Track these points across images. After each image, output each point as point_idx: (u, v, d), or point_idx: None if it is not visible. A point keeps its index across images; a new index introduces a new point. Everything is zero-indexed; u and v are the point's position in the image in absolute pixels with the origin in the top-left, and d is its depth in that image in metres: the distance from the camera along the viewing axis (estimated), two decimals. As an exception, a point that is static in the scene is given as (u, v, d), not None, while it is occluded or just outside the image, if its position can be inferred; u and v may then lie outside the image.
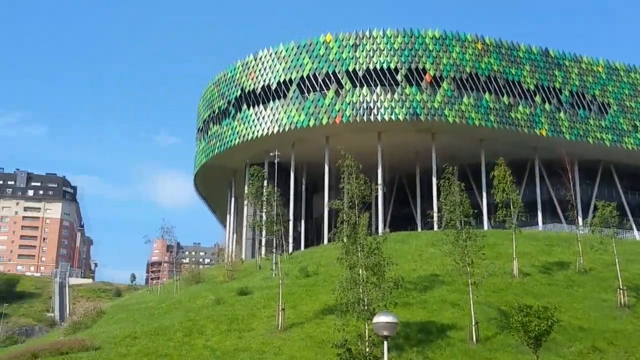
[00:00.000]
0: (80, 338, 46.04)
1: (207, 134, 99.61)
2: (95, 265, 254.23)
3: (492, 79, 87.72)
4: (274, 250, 54.71)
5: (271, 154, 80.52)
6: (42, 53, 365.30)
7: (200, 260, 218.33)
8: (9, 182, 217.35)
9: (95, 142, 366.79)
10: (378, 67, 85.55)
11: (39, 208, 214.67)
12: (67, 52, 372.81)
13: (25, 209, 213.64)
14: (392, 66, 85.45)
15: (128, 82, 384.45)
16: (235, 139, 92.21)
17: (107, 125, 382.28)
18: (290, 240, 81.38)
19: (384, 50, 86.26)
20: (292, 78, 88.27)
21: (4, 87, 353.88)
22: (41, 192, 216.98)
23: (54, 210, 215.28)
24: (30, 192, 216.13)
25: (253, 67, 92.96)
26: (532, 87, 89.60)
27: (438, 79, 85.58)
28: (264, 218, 53.32)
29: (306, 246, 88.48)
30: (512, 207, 52.98)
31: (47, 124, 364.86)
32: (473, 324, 38.48)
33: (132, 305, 65.93)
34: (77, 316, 68.30)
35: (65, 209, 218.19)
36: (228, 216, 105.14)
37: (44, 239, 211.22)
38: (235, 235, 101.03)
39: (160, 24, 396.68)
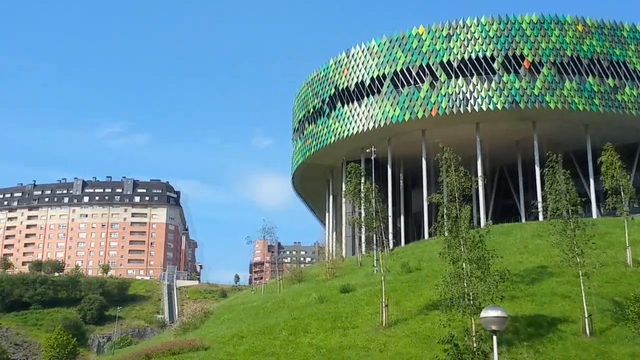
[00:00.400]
0: (190, 338, 47.08)
1: (303, 134, 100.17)
2: (201, 267, 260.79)
3: (595, 61, 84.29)
4: (375, 246, 54.33)
5: (367, 150, 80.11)
6: (139, 65, 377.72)
7: (301, 259, 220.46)
8: (117, 190, 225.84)
9: (194, 148, 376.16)
10: (473, 56, 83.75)
11: (146, 214, 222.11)
12: (163, 61, 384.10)
13: (133, 215, 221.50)
14: (488, 54, 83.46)
15: (223, 87, 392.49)
16: (330, 137, 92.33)
17: (205, 130, 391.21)
18: (390, 236, 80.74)
19: (478, 38, 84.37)
20: (386, 73, 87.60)
21: (108, 99, 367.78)
22: (147, 198, 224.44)
23: (159, 215, 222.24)
24: (137, 199, 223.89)
25: (346, 64, 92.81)
26: (638, 67, 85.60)
27: (537, 64, 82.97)
28: (363, 215, 53.09)
29: (407, 242, 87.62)
30: (622, 193, 50.67)
31: (149, 132, 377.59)
32: (586, 316, 36.96)
33: (238, 306, 66.99)
34: (186, 317, 69.97)
35: (170, 214, 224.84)
36: (327, 214, 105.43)
37: (151, 243, 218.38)
38: (334, 233, 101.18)
39: (252, 25, 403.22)
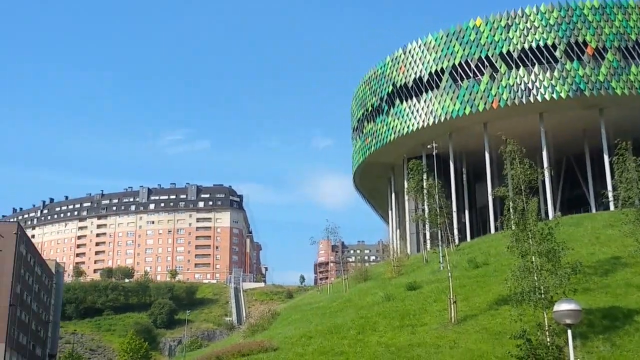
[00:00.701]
0: (259, 340, 47.45)
1: (362, 133, 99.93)
2: (266, 269, 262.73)
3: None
4: (440, 242, 53.77)
5: (428, 146, 79.40)
6: (197, 72, 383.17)
7: (366, 257, 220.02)
8: (181, 196, 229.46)
9: (255, 151, 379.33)
10: (534, 45, 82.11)
11: (210, 218, 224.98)
12: (219, 67, 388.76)
13: (198, 220, 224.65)
14: (550, 43, 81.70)
15: (281, 89, 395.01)
16: (390, 135, 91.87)
17: (264, 134, 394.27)
18: (456, 231, 79.78)
19: (539, 27, 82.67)
20: (444, 67, 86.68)
21: (168, 108, 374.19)
22: (210, 203, 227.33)
23: (223, 219, 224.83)
24: (201, 204, 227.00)
25: (403, 60, 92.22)
26: None
27: (601, 50, 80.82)
28: (427, 211, 52.49)
29: (472, 237, 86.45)
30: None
31: (210, 138, 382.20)
32: (663, 307, 35.77)
33: (304, 306, 67.21)
34: (254, 319, 70.54)
35: (234, 217, 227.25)
36: (390, 212, 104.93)
37: (216, 247, 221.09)
38: (398, 231, 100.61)
39: (307, 26, 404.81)
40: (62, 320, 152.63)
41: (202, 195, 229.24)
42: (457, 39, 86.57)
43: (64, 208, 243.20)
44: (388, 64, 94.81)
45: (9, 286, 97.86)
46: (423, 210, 66.22)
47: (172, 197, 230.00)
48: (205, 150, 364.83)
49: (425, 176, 56.09)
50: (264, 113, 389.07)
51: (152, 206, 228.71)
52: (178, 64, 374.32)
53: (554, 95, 79.68)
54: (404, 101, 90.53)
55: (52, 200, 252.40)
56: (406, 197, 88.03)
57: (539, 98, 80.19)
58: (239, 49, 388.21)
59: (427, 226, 71.60)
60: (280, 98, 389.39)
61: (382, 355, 36.03)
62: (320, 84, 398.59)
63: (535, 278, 32.63)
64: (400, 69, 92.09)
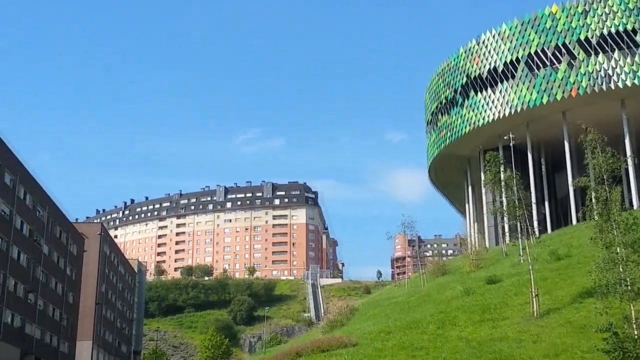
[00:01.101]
0: (338, 335, 47.63)
1: (437, 126, 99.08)
2: (342, 264, 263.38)
3: None
4: (519, 235, 52.81)
5: (505, 137, 78.20)
6: (267, 71, 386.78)
7: (443, 252, 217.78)
8: (257, 194, 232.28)
9: (328, 147, 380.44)
10: (613, 30, 79.73)
11: (286, 215, 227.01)
12: (290, 65, 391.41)
13: (274, 217, 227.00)
14: (629, 27, 79.17)
15: (353, 84, 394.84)
16: (465, 127, 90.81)
17: (338, 130, 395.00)
18: (535, 223, 78.17)
19: (617, 12, 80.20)
20: (519, 56, 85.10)
21: (242, 107, 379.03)
22: (286, 200, 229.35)
23: (299, 216, 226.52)
24: (277, 201, 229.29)
25: (477, 51, 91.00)
26: None
27: (684, 33, 77.92)
28: (505, 203, 51.71)
29: (553, 228, 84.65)
30: None
31: (284, 135, 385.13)
32: None
33: (382, 301, 67.17)
34: (332, 315, 70.91)
35: (309, 214, 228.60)
36: (467, 205, 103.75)
37: (293, 244, 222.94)
38: (476, 224, 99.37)
39: (378, 19, 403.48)
40: (145, 318, 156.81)
41: (278, 193, 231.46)
42: (532, 27, 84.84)
43: (144, 208, 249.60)
44: (461, 56, 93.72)
45: (95, 285, 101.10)
46: (501, 202, 65.30)
47: (249, 195, 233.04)
48: (280, 148, 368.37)
49: (502, 168, 55.18)
50: (337, 109, 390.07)
51: (229, 205, 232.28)
52: (251, 63, 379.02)
53: (636, 81, 77.22)
54: (479, 92, 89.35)
55: (132, 201, 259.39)
56: (483, 190, 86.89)
57: (620, 84, 77.88)
58: (310, 46, 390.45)
59: (505, 219, 70.41)
60: (353, 94, 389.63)
61: (463, 350, 35.68)
62: (393, 78, 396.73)
63: (621, 270, 31.73)
64: (474, 59, 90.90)
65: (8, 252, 67.12)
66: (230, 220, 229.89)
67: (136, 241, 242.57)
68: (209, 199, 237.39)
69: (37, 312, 76.01)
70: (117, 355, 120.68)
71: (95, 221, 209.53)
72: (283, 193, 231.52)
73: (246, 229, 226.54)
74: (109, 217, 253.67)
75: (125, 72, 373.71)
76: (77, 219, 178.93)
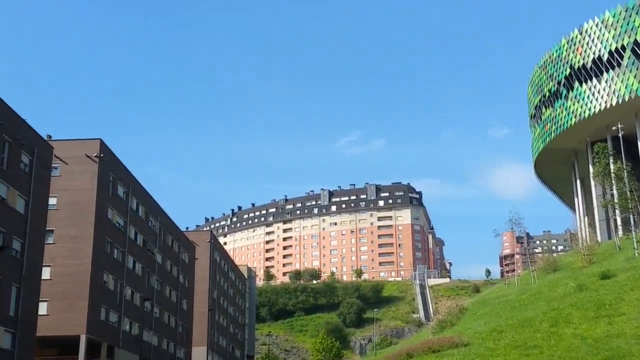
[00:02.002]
0: (449, 336, 47.35)
1: (541, 119, 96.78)
2: (450, 264, 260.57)
3: None
4: (633, 228, 51.04)
5: (613, 128, 75.46)
6: (363, 71, 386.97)
7: (553, 247, 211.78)
8: (362, 197, 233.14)
9: (430, 146, 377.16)
10: None
11: (391, 216, 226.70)
12: (389, 63, 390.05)
13: (379, 219, 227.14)
14: None
15: (452, 81, 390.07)
16: (571, 119, 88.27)
17: (439, 128, 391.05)
18: (650, 215, 75.27)
19: None
20: (625, 44, 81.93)
21: (342, 110, 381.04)
22: (390, 201, 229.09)
23: (404, 217, 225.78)
24: (381, 203, 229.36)
25: (580, 41, 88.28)
26: None
27: None
28: (616, 196, 50.20)
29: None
30: None
31: (385, 136, 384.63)
32: None
33: (492, 300, 66.22)
34: (442, 315, 70.48)
35: (414, 214, 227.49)
36: (575, 199, 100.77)
37: (399, 245, 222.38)
38: (586, 218, 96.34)
39: (473, 13, 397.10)
40: (256, 323, 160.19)
41: (382, 194, 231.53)
42: (637, 14, 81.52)
43: (251, 215, 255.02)
44: (564, 46, 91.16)
45: (207, 292, 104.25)
46: (612, 195, 63.25)
47: (353, 197, 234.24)
48: (381, 149, 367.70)
49: (612, 159, 53.55)
50: (437, 107, 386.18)
51: (333, 208, 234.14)
52: (348, 65, 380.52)
53: None
54: (584, 83, 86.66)
55: (240, 208, 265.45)
56: (592, 183, 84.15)
57: None
58: (408, 43, 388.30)
59: (617, 211, 68.17)
60: (453, 91, 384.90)
61: (579, 347, 34.81)
62: (493, 73, 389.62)
63: None
64: (577, 50, 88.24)
65: (124, 261, 70.28)
66: (336, 223, 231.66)
67: (244, 247, 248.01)
68: (313, 203, 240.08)
69: (154, 319, 79.12)
70: (231, 359, 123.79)
71: (204, 229, 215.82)
72: (387, 194, 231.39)
73: (352, 232, 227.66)
74: (217, 224, 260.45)
75: (228, 81, 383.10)
76: (187, 228, 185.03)
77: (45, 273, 55.93)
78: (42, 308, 55.30)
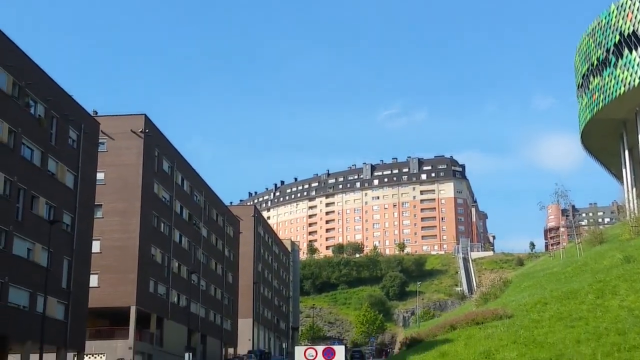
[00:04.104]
0: (492, 308, 47.31)
1: (589, 89, 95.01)
2: (493, 237, 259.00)
3: None
4: (683, 199, 50.19)
5: (663, 96, 73.84)
6: (405, 41, 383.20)
7: (599, 220, 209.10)
8: (404, 170, 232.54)
9: (473, 118, 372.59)
10: None
11: (433, 190, 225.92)
12: (427, 34, 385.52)
13: (421, 192, 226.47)
14: None
15: (494, 49, 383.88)
16: (620, 88, 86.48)
17: (481, 99, 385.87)
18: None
19: None
20: (676, 9, 79.77)
21: (382, 82, 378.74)
22: (433, 174, 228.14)
23: (446, 190, 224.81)
24: (423, 176, 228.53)
25: (630, 7, 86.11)
26: None
27: None
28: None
29: None
30: None
31: (426, 108, 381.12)
32: None
33: (536, 272, 65.87)
34: (485, 287, 70.41)
35: (457, 187, 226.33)
36: (623, 170, 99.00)
37: (442, 218, 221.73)
38: (634, 189, 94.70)
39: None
40: (300, 296, 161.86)
41: (424, 168, 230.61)
42: (688, -23, 79.33)
43: (293, 189, 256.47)
44: (613, 13, 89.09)
45: (251, 265, 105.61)
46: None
47: (395, 171, 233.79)
48: (423, 121, 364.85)
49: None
50: (479, 77, 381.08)
51: (376, 182, 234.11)
52: (387, 36, 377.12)
53: None
54: (634, 50, 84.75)
55: (282, 182, 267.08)
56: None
57: None
58: (449, 12, 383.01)
59: (666, 182, 66.91)
60: (495, 59, 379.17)
61: (625, 319, 34.52)
62: (538, 41, 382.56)
63: None
64: (627, 16, 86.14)
65: (171, 235, 71.59)
66: (378, 197, 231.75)
67: (287, 221, 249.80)
68: (356, 177, 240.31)
69: (200, 291, 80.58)
70: (276, 331, 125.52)
71: (248, 204, 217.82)
72: (429, 167, 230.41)
73: (394, 205, 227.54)
74: (260, 199, 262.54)
75: (267, 55, 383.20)
76: (231, 202, 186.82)
77: (95, 246, 57.39)
78: (93, 280, 56.84)
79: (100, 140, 58.56)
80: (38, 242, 45.70)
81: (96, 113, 61.74)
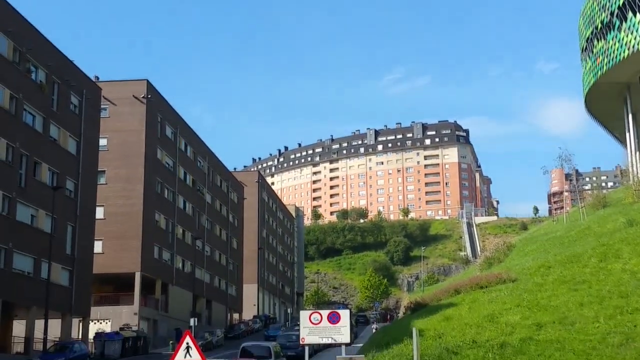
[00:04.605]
0: (496, 272, 47.39)
1: (593, 52, 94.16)
2: (497, 202, 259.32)
3: None
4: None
5: (668, 59, 73.17)
6: (406, 6, 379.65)
7: (602, 184, 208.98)
8: (408, 135, 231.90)
9: (477, 82, 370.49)
10: None
11: (437, 155, 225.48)
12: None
13: (425, 157, 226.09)
14: None
15: (496, 13, 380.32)
16: (624, 52, 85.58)
17: (485, 63, 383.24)
18: None
19: None
20: (682, -30, 78.65)
21: (384, 46, 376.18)
22: (437, 139, 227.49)
23: (450, 155, 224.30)
24: (427, 141, 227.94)
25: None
26: None
27: None
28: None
29: None
30: None
31: (429, 73, 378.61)
32: None
33: (540, 237, 65.95)
34: (489, 252, 70.57)
35: (461, 152, 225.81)
36: (627, 134, 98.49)
37: (446, 183, 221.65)
38: (638, 153, 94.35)
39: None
40: (305, 261, 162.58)
41: (428, 133, 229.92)
42: (695, -63, 78.06)
43: (297, 155, 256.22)
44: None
45: (256, 231, 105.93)
46: (665, 129, 61.88)
47: (399, 136, 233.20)
48: (426, 86, 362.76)
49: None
50: (483, 41, 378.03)
51: (380, 147, 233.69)
52: (388, 2, 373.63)
53: None
54: (638, 13, 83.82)
55: (286, 148, 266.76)
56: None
57: None
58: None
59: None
60: (497, 24, 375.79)
61: (628, 282, 34.57)
62: (541, 5, 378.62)
63: None
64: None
65: (174, 201, 71.74)
66: (382, 163, 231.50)
67: (292, 187, 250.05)
68: (360, 142, 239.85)
69: (205, 257, 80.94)
70: (281, 296, 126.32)
71: (251, 169, 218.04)
72: (433, 133, 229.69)
73: (398, 171, 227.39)
74: (264, 165, 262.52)
75: (273, 19, 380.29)
76: (235, 168, 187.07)
77: (99, 213, 57.58)
78: (98, 247, 57.14)
79: (102, 106, 58.46)
80: (41, 208, 45.85)
81: (97, 79, 61.54)
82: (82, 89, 52.56)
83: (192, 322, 59.46)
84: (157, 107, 67.64)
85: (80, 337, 52.51)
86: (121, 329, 55.12)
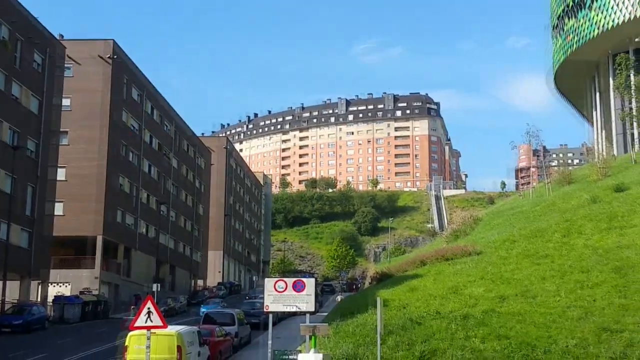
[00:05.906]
0: (462, 245, 47.66)
1: (563, 30, 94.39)
2: (465, 176, 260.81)
3: None
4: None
5: (636, 39, 73.53)
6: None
7: (569, 161, 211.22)
8: (379, 106, 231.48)
9: (448, 56, 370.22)
10: None
11: (408, 127, 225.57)
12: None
13: (396, 129, 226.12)
14: None
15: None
16: (593, 30, 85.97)
17: (458, 36, 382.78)
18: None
19: None
20: (654, -51, 78.70)
21: (357, 15, 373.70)
22: (407, 111, 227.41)
23: (421, 127, 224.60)
24: (398, 113, 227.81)
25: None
26: None
27: None
28: (635, 109, 49.27)
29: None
30: None
31: (402, 44, 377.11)
32: None
33: (506, 211, 66.39)
34: (456, 225, 70.89)
35: (431, 125, 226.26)
36: (594, 112, 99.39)
37: (415, 155, 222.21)
38: (604, 132, 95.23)
39: None
40: (272, 229, 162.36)
41: (399, 104, 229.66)
42: None
43: (267, 122, 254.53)
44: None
45: (223, 197, 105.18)
46: (630, 108, 62.21)
47: (370, 107, 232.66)
48: (398, 57, 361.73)
49: (633, 72, 52.36)
50: (457, 14, 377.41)
51: (350, 117, 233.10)
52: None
53: None
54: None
55: (256, 115, 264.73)
56: (612, 96, 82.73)
57: None
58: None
59: (635, 125, 67.20)
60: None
61: (589, 257, 34.88)
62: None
63: None
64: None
65: (139, 165, 70.71)
66: (352, 133, 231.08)
67: (260, 154, 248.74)
68: (330, 111, 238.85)
69: (170, 223, 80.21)
70: (247, 264, 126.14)
71: (220, 135, 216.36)
72: (404, 104, 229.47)
73: (368, 141, 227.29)
74: (233, 131, 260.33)
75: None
76: (202, 134, 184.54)
77: (61, 174, 56.53)
78: (58, 209, 56.14)
79: (66, 65, 57.07)
80: (1, 168, 44.82)
81: (62, 37, 59.99)
82: (45, 47, 51.24)
83: (154, 287, 58.91)
84: (123, 68, 66.32)
85: (39, 300, 51.78)
86: (81, 292, 54.51)
